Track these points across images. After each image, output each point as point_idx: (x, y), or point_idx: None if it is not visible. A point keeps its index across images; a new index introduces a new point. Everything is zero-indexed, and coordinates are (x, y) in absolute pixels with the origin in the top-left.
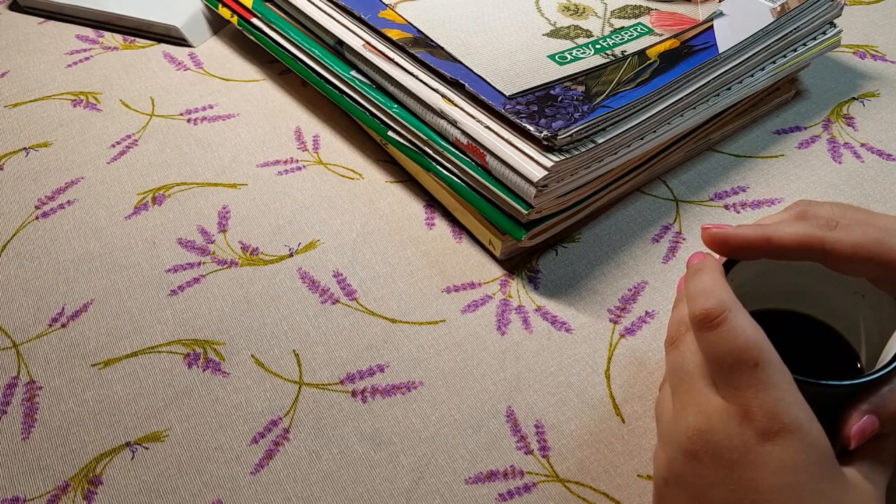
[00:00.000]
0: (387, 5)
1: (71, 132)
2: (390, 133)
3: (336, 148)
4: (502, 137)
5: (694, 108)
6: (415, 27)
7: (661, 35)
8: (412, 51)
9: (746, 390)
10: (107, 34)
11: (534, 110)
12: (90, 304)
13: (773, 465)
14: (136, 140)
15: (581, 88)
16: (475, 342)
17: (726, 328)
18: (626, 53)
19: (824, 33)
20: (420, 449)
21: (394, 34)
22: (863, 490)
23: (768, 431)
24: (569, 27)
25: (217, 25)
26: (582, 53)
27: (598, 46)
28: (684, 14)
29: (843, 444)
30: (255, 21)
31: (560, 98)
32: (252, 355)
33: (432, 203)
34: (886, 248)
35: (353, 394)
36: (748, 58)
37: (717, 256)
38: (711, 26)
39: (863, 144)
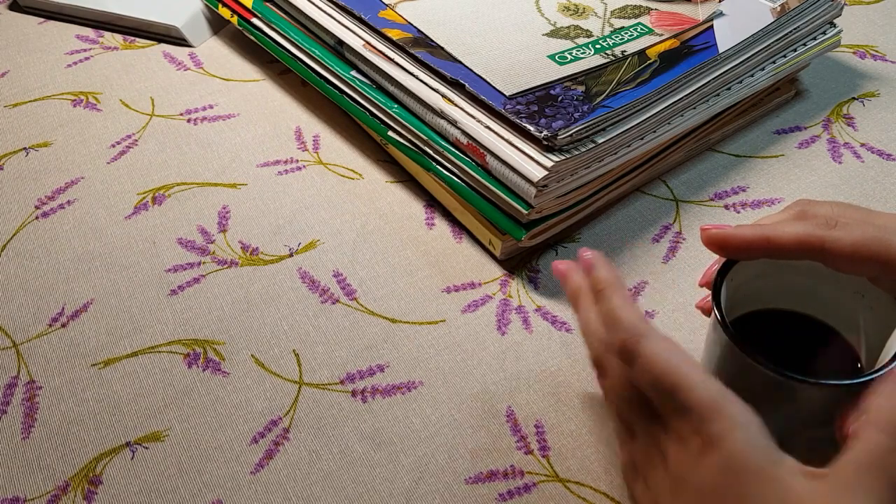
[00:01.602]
0: (387, 5)
1: (71, 132)
2: (390, 133)
3: (336, 148)
4: (502, 137)
5: (694, 108)
6: (415, 27)
7: (661, 35)
8: (412, 51)
9: (672, 415)
10: (107, 34)
11: (534, 110)
12: (90, 304)
13: (710, 479)
14: (136, 140)
15: (581, 88)
16: (475, 342)
17: (641, 360)
18: (626, 53)
19: (824, 33)
20: (420, 449)
21: (394, 34)
22: (817, 490)
23: (700, 448)
24: (569, 27)
25: (217, 25)
26: (582, 53)
27: (598, 46)
28: (684, 14)
29: (840, 443)
30: (255, 21)
31: (560, 98)
32: (252, 355)
33: (432, 203)
34: (886, 247)
35: (353, 394)
36: (748, 58)
37: (716, 257)
38: (711, 26)
39: (863, 144)
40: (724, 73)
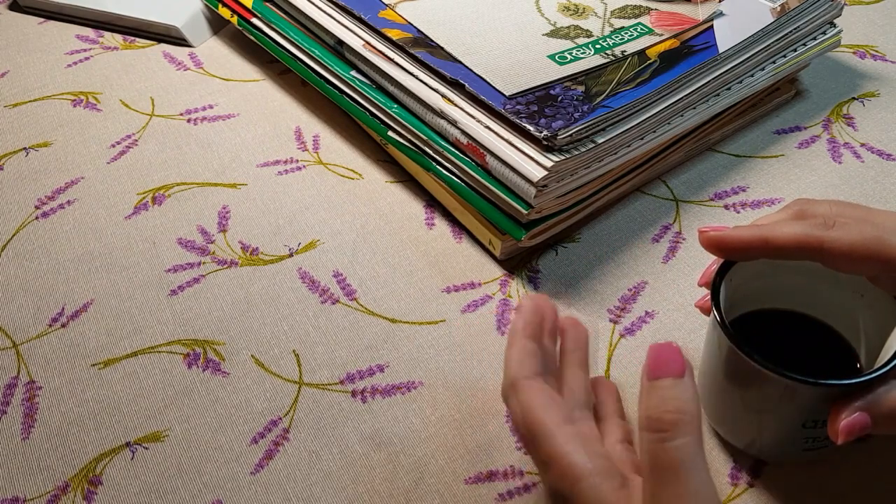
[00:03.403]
0: (387, 5)
1: (71, 132)
2: (390, 133)
3: (336, 148)
4: (502, 137)
5: (694, 107)
6: (415, 27)
7: (661, 35)
8: (412, 51)
9: (537, 463)
10: (107, 34)
11: (534, 110)
12: (90, 304)
13: None
14: (136, 140)
15: (581, 88)
16: (475, 342)
17: (510, 406)
18: (626, 53)
19: (824, 33)
20: (420, 449)
21: (394, 34)
22: None
23: (558, 498)
24: (569, 27)
25: (217, 25)
26: (582, 53)
27: (598, 46)
28: (684, 14)
29: (832, 439)
30: (255, 21)
31: (560, 98)
32: (252, 355)
33: (432, 203)
34: (885, 246)
35: (353, 394)
36: (748, 58)
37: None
38: (711, 26)
39: (863, 144)
40: (724, 73)
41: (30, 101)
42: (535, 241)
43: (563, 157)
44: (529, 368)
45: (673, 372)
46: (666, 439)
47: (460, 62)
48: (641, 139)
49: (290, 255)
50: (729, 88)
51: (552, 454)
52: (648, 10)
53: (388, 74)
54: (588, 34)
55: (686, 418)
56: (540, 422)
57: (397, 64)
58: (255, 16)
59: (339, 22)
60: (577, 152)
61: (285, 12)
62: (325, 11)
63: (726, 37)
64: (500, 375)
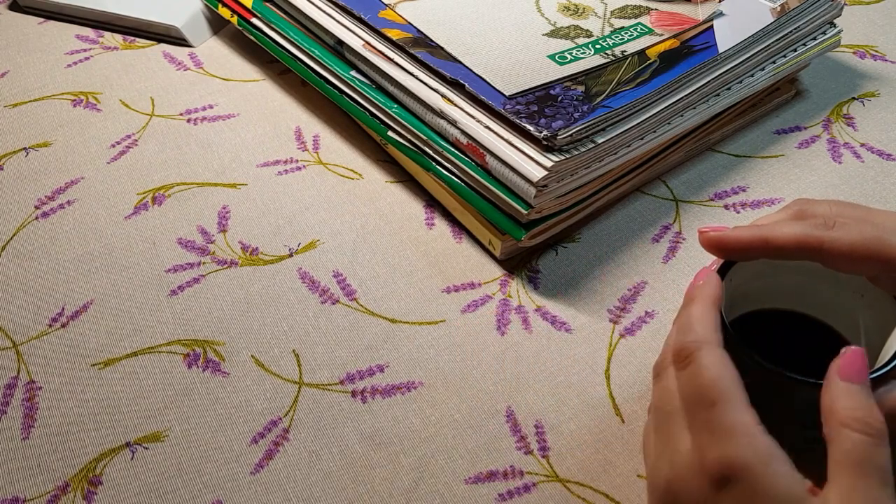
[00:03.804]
0: (387, 5)
1: (71, 132)
2: (390, 133)
3: (336, 148)
4: (502, 137)
5: (694, 108)
6: (415, 27)
7: (661, 35)
8: (412, 51)
9: (702, 433)
10: (107, 34)
11: (534, 110)
12: (90, 304)
13: None
14: (136, 140)
15: (581, 88)
16: (475, 342)
17: (693, 366)
18: (626, 53)
19: (824, 33)
20: (420, 449)
21: (394, 34)
22: None
23: (721, 480)
24: (569, 27)
25: (217, 25)
26: (582, 53)
27: (598, 46)
28: (684, 14)
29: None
30: (255, 21)
31: (560, 98)
32: (252, 355)
33: (432, 203)
34: (885, 246)
35: (353, 394)
36: (748, 58)
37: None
38: (711, 26)
39: (863, 144)
40: (724, 73)
41: (30, 101)
42: (535, 241)
43: (563, 157)
44: (719, 341)
45: (864, 379)
46: (877, 444)
47: (460, 62)
48: (641, 139)
49: (290, 255)
50: (729, 88)
51: (738, 426)
52: (648, 10)
53: (388, 74)
54: (588, 34)
55: (887, 430)
56: (730, 389)
57: (397, 64)
58: (255, 16)
59: (339, 22)
60: (577, 152)
61: (285, 12)
62: (325, 11)
63: (726, 37)
64: (500, 375)
